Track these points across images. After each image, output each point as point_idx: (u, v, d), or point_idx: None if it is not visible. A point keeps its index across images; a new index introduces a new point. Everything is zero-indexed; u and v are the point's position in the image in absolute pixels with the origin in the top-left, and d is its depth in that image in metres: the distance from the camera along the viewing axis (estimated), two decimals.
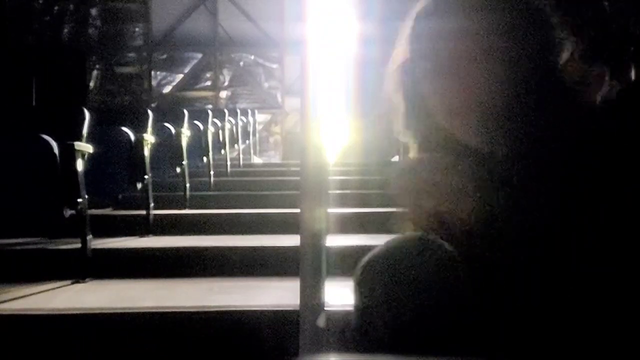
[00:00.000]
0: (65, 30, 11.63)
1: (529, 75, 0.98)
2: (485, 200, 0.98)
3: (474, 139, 1.00)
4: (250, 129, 9.55)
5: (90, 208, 3.04)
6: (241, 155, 8.20)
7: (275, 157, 12.24)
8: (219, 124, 7.09)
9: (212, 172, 5.84)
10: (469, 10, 0.99)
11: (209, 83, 12.58)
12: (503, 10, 0.99)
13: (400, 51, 1.05)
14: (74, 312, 2.31)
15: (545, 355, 0.92)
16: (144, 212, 3.95)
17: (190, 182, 4.90)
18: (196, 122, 5.96)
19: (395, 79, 1.06)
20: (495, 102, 0.97)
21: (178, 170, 4.92)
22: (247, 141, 9.31)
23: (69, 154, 2.89)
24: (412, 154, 1.08)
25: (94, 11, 12.02)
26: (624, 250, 0.93)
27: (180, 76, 12.53)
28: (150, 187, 4.00)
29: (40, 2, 11.32)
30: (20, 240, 3.49)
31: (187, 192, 4.83)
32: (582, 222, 0.94)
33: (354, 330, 0.99)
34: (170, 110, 8.74)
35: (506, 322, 0.94)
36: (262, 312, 2.23)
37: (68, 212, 2.89)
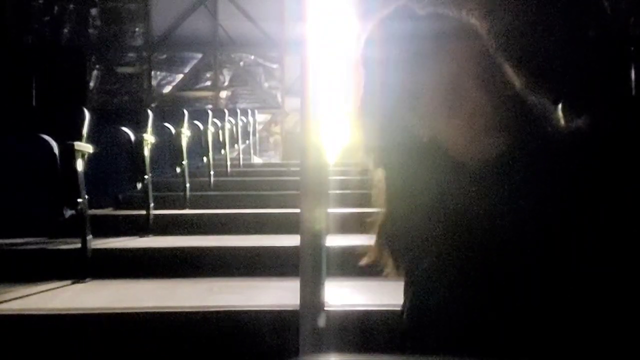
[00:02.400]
0: (65, 30, 11.63)
1: (487, 80, 1.00)
2: (470, 205, 0.99)
3: (471, 145, 1.01)
4: (250, 129, 9.55)
5: (90, 208, 3.04)
6: (241, 155, 8.20)
7: (275, 157, 12.23)
8: (219, 124, 7.09)
9: (212, 172, 5.84)
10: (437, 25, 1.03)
11: (209, 83, 12.57)
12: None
13: (357, 88, 1.10)
14: (74, 312, 2.31)
15: (544, 355, 0.92)
16: (144, 212, 3.95)
17: (190, 182, 4.90)
18: (196, 122, 5.96)
19: (357, 113, 1.10)
20: (466, 108, 0.99)
21: (178, 170, 4.92)
22: (247, 141, 9.30)
23: (69, 154, 2.89)
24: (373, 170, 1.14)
25: (94, 11, 12.01)
26: (623, 250, 0.94)
27: (180, 76, 12.52)
28: (150, 187, 4.00)
29: (40, 2, 11.31)
30: (20, 240, 3.49)
31: (187, 192, 4.83)
32: (582, 222, 0.94)
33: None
34: (170, 110, 8.74)
35: (506, 322, 0.94)
36: (262, 312, 2.23)
37: (68, 212, 2.89)
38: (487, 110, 0.99)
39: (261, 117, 11.96)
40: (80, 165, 2.94)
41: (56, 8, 11.49)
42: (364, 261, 1.16)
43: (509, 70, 1.05)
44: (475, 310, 0.94)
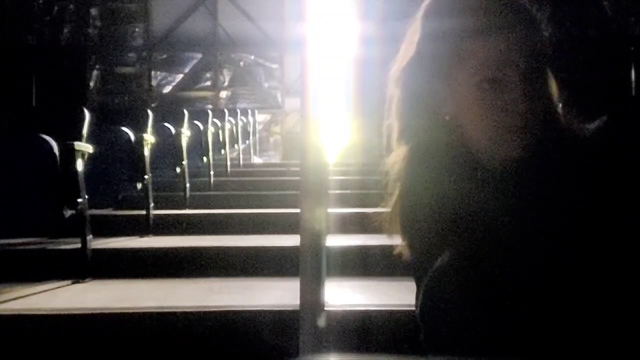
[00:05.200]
0: (65, 30, 11.62)
1: (531, 79, 0.99)
2: (483, 203, 0.98)
3: (498, 142, 0.99)
4: (250, 129, 9.55)
5: (90, 208, 3.04)
6: (241, 155, 8.20)
7: (275, 157, 12.23)
8: (219, 124, 7.09)
9: (212, 172, 5.84)
10: (472, 10, 0.99)
11: (209, 83, 12.58)
12: (505, 12, 0.99)
13: (404, 52, 1.06)
14: (74, 312, 2.31)
15: (545, 354, 0.92)
16: (144, 212, 3.95)
17: (190, 182, 4.90)
18: (196, 122, 5.96)
19: (397, 77, 1.07)
20: (529, 107, 0.97)
21: (178, 170, 4.91)
22: (247, 141, 9.31)
23: (69, 154, 2.89)
24: (395, 148, 1.09)
25: (94, 11, 12.01)
26: (625, 252, 0.94)
27: (180, 76, 12.53)
28: (150, 187, 4.00)
29: (40, 2, 11.31)
30: (20, 240, 3.48)
31: (187, 192, 4.83)
32: (600, 223, 0.94)
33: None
34: (170, 110, 8.74)
35: (508, 322, 0.94)
36: (262, 312, 2.23)
37: (68, 212, 2.89)
38: (520, 110, 0.95)
39: (261, 117, 11.96)
40: (80, 165, 2.93)
41: (56, 8, 11.48)
42: (383, 233, 1.13)
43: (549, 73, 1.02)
44: (492, 310, 0.94)
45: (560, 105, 1.04)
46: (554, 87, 1.03)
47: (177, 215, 4.22)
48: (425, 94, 1.03)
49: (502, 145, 0.98)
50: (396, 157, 1.08)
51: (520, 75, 0.96)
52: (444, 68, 1.01)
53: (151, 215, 3.94)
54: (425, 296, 1.00)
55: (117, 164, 3.88)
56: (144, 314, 2.26)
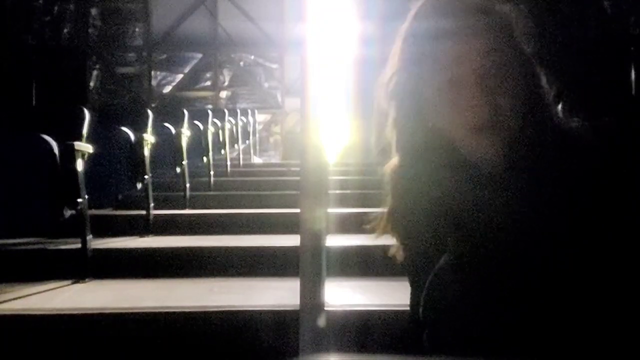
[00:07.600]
0: (65, 30, 11.61)
1: (521, 79, 0.99)
2: (479, 204, 0.99)
3: (467, 142, 1.00)
4: (250, 129, 9.55)
5: (90, 208, 3.04)
6: (241, 155, 8.20)
7: (275, 157, 12.23)
8: (219, 124, 7.09)
9: (212, 172, 5.84)
10: (461, 13, 1.00)
11: (209, 83, 12.57)
12: (465, 15, 1.00)
13: (393, 61, 1.07)
14: (74, 312, 2.31)
15: (547, 353, 0.92)
16: (144, 212, 3.95)
17: (190, 182, 4.90)
18: (196, 122, 5.96)
19: (387, 87, 1.07)
20: (491, 104, 0.97)
21: (178, 170, 4.91)
22: (247, 141, 9.31)
23: (69, 154, 2.89)
24: (393, 156, 1.10)
25: (94, 11, 12.01)
26: (624, 252, 0.94)
27: (180, 76, 12.52)
28: (150, 187, 4.00)
29: (40, 2, 11.31)
30: (20, 240, 3.49)
31: (187, 192, 4.83)
32: (594, 222, 0.94)
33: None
34: (170, 110, 8.73)
35: (509, 322, 0.94)
36: (262, 312, 2.23)
37: (68, 212, 2.89)
38: (480, 108, 0.97)
39: (261, 117, 11.96)
40: (80, 165, 2.93)
41: (56, 8, 11.48)
42: (374, 235, 1.14)
43: (537, 72, 1.02)
44: (493, 309, 0.94)
45: (560, 105, 1.04)
46: (543, 86, 1.03)
47: (177, 215, 4.22)
48: (410, 99, 1.05)
49: (474, 146, 0.99)
50: (393, 162, 1.09)
51: (476, 74, 0.97)
52: (421, 73, 1.02)
53: (151, 215, 3.94)
54: (427, 296, 1.00)
55: (117, 164, 3.88)
56: (144, 314, 2.26)
